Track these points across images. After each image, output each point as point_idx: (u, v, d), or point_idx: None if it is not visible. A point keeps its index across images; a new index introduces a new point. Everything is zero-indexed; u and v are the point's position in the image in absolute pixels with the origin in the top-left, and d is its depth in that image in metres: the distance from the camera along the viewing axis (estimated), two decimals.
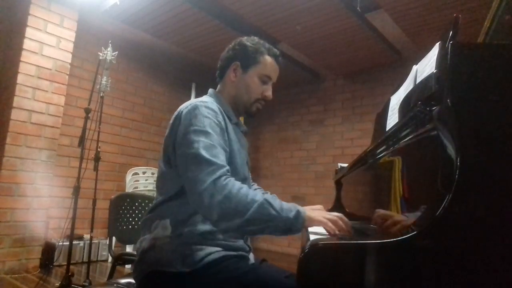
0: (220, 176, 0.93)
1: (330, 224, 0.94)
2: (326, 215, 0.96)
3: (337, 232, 0.93)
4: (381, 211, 1.00)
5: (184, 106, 1.09)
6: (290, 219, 0.91)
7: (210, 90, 1.25)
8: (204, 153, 0.96)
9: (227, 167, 0.98)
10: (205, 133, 1.00)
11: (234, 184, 0.93)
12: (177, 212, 1.04)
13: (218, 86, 1.25)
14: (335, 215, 0.98)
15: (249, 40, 1.21)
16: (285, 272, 1.16)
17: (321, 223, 0.94)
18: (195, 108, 1.05)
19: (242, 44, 1.20)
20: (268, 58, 1.19)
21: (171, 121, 1.10)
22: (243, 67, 1.18)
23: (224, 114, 1.12)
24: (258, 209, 0.89)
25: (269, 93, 1.20)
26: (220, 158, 0.98)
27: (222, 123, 1.07)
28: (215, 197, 0.90)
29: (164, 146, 1.10)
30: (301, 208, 0.95)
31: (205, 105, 1.06)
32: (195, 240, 1.01)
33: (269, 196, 0.96)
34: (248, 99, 1.18)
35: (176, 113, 1.10)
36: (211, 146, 0.98)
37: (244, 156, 1.17)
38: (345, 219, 0.98)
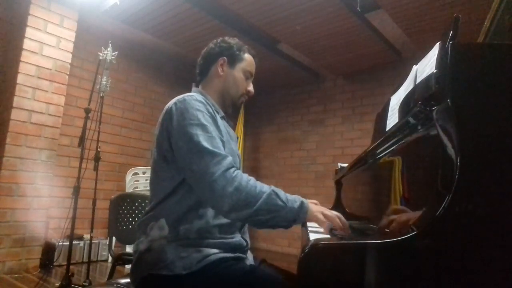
0: (228, 168, 0.96)
1: (326, 224, 0.99)
2: (325, 211, 1.01)
3: (327, 229, 1.00)
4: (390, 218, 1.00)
5: (172, 102, 1.09)
6: (295, 209, 0.96)
7: (194, 89, 1.26)
8: (206, 144, 0.98)
9: (230, 157, 1.00)
10: (201, 126, 1.02)
11: (243, 176, 0.97)
12: (172, 211, 1.04)
13: (200, 85, 1.27)
14: (334, 213, 1.02)
15: (230, 39, 1.27)
16: (284, 273, 1.16)
17: (318, 220, 0.99)
18: (183, 101, 1.06)
19: (226, 42, 1.25)
20: (249, 56, 1.26)
21: (160, 119, 1.10)
22: (229, 63, 1.23)
23: (212, 108, 1.13)
24: (267, 200, 0.94)
25: (251, 88, 1.27)
26: (222, 148, 1.02)
27: (212, 114, 1.09)
28: (227, 188, 0.93)
29: (157, 144, 1.09)
30: (304, 199, 1.00)
31: (192, 98, 1.08)
32: (192, 240, 1.00)
33: (275, 188, 0.99)
34: (236, 92, 1.24)
35: (164, 110, 1.10)
36: (210, 137, 1.01)
37: (233, 148, 1.18)
38: (343, 218, 1.03)
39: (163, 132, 1.07)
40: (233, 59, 1.23)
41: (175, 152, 1.03)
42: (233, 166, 0.98)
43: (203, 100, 1.09)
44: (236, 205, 0.93)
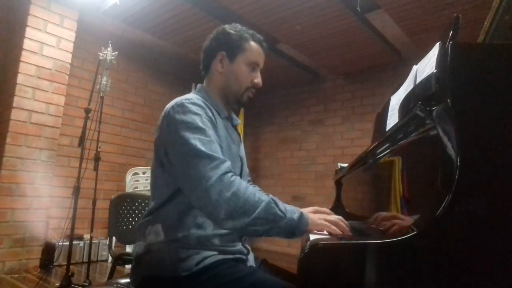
0: (225, 172, 0.91)
1: (333, 227, 0.92)
2: (327, 218, 0.95)
3: (339, 233, 0.93)
4: (381, 215, 1.00)
5: (170, 106, 1.05)
6: (295, 221, 0.89)
7: (199, 86, 1.21)
8: (203, 148, 0.93)
9: (229, 162, 0.96)
10: (200, 129, 0.97)
11: (241, 182, 0.92)
12: (167, 216, 1.02)
13: (205, 80, 1.20)
14: (335, 217, 0.97)
15: (231, 28, 1.16)
16: (284, 273, 1.16)
17: (324, 226, 0.92)
18: (181, 105, 1.02)
19: (225, 33, 1.14)
20: (254, 44, 1.15)
21: (159, 122, 1.07)
22: (229, 56, 1.13)
23: (213, 109, 1.09)
24: (265, 208, 0.88)
25: (258, 80, 1.16)
26: (220, 152, 0.97)
27: (212, 118, 1.05)
28: (223, 193, 0.88)
29: (155, 148, 1.07)
30: (303, 210, 0.95)
31: (190, 101, 1.03)
32: (191, 245, 0.99)
33: (274, 197, 0.95)
34: (238, 89, 1.14)
35: (162, 113, 1.07)
36: (209, 141, 0.96)
37: (235, 152, 1.14)
38: (344, 221, 0.97)
39: (161, 137, 1.04)
40: (233, 52, 1.12)
41: (172, 158, 0.99)
42: (231, 171, 0.93)
43: (202, 104, 1.05)
44: (233, 212, 0.87)
